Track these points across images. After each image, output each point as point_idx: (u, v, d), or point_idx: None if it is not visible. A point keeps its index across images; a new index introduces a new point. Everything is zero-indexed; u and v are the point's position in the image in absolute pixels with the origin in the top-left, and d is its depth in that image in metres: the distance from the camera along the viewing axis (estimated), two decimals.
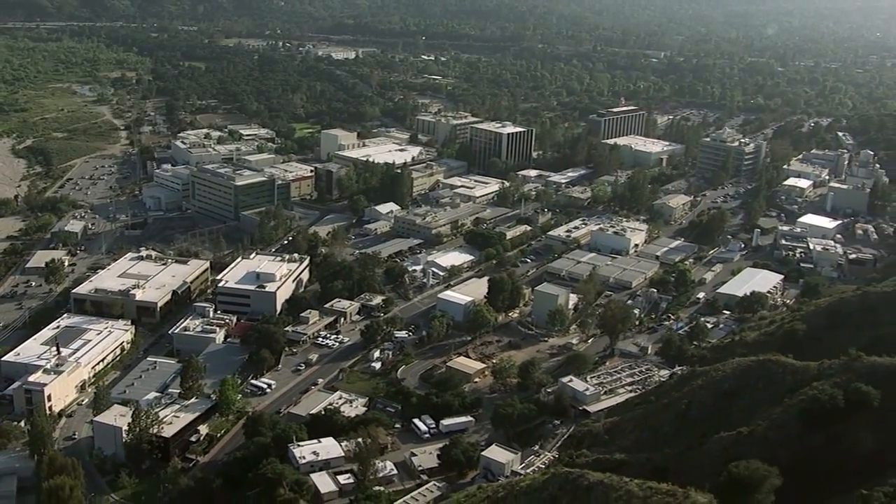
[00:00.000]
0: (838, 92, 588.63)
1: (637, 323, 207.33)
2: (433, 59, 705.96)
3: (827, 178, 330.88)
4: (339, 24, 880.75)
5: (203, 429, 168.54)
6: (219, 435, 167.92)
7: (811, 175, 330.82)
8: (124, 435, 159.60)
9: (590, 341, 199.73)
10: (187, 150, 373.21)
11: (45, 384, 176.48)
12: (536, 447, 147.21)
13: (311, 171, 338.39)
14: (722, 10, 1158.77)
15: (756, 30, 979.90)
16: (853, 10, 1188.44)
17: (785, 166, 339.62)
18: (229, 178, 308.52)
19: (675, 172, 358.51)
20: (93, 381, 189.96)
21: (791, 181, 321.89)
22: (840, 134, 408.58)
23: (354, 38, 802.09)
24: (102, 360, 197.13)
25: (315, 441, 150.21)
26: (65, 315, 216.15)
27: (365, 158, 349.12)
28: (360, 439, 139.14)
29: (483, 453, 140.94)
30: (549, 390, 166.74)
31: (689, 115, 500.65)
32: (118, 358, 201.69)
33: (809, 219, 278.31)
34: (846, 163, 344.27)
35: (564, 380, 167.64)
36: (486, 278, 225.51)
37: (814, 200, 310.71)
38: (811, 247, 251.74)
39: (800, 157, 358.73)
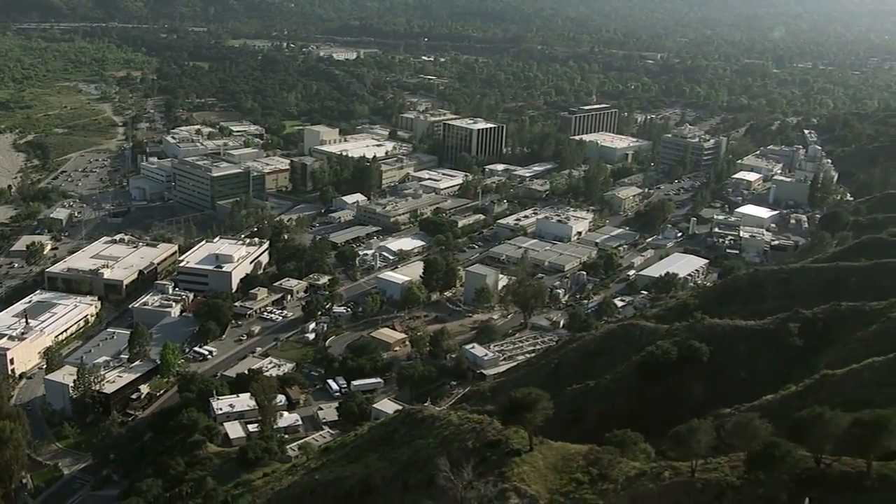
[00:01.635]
0: (826, 93, 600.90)
1: (559, 300, 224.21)
2: (432, 59, 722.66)
3: (779, 172, 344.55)
4: (346, 25, 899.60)
5: (144, 388, 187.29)
6: (158, 393, 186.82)
7: (763, 169, 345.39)
8: (71, 391, 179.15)
9: (509, 316, 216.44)
10: (176, 144, 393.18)
11: (7, 349, 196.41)
12: (427, 402, 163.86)
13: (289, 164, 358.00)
14: (731, 13, 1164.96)
15: (762, 32, 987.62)
16: (864, 13, 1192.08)
17: (739, 161, 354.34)
18: (206, 170, 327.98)
19: (637, 167, 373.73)
20: (57, 348, 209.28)
21: (740, 175, 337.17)
22: (806, 132, 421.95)
23: (359, 39, 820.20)
24: (66, 330, 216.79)
25: (234, 396, 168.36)
26: (38, 291, 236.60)
27: (340, 153, 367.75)
28: (260, 391, 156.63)
29: (374, 405, 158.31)
30: (452, 356, 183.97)
31: (671, 114, 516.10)
32: (81, 329, 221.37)
33: (747, 209, 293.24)
34: (801, 158, 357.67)
35: (467, 347, 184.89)
36: None
37: (761, 193, 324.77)
38: (741, 234, 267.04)
39: (757, 152, 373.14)
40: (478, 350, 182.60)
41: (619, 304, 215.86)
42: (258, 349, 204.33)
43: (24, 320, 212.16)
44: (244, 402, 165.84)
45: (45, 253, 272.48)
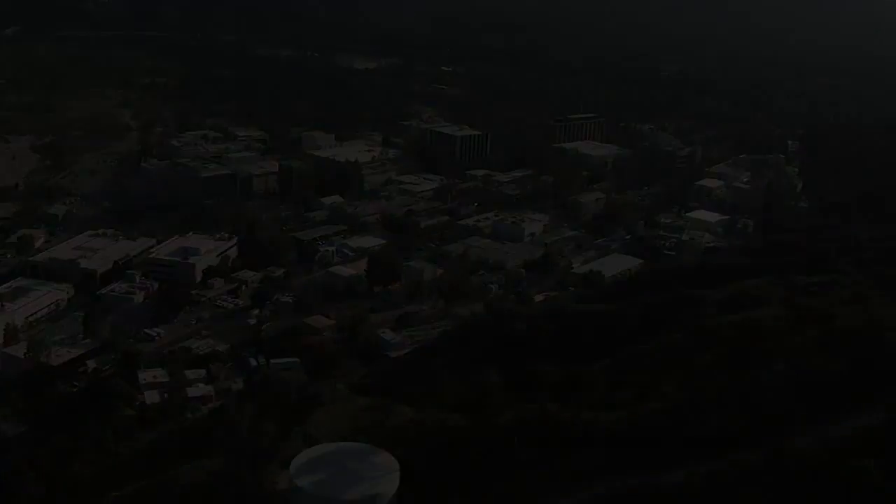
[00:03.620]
0: (834, 106, 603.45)
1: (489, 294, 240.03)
2: (451, 70, 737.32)
3: (745, 179, 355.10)
4: (374, 35, 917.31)
5: (91, 363, 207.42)
6: (104, 368, 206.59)
7: (728, 176, 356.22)
8: (21, 364, 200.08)
9: (437, 308, 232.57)
10: (179, 148, 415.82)
11: None
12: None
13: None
14: (765, 27, 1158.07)
15: (793, 47, 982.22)
16: None
17: (707, 168, 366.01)
18: (195, 171, 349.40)
19: (616, 174, 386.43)
20: (25, 328, 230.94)
21: (704, 181, 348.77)
22: (790, 142, 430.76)
23: (384, 49, 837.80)
24: (36, 312, 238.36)
25: (158, 369, 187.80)
26: (18, 278, 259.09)
27: (330, 157, 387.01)
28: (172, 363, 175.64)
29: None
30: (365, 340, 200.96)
31: (668, 123, 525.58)
32: (52, 312, 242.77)
33: (697, 213, 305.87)
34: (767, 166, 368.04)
35: (380, 331, 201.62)
36: None
37: (721, 199, 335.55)
38: (682, 237, 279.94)
39: (730, 160, 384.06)
40: (387, 335, 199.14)
41: (540, 297, 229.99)
42: (203, 332, 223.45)
43: None
44: (166, 374, 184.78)
45: (36, 245, 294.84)
